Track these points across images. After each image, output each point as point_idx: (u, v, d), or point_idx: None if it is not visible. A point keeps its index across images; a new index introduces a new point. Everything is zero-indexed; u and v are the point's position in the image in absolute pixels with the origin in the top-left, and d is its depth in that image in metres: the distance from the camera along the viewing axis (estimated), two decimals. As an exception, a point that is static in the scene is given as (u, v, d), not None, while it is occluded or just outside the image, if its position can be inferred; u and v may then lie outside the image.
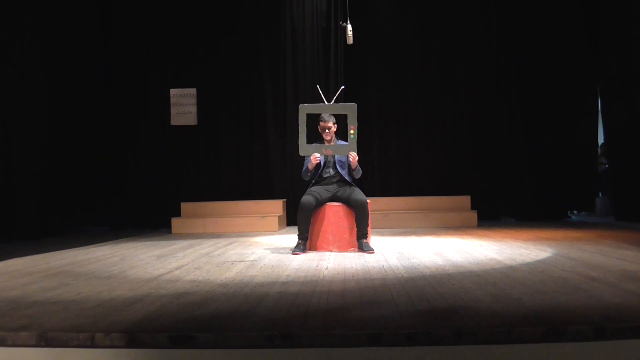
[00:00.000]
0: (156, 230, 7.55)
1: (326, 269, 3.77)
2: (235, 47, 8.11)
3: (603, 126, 8.01)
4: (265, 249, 5.08)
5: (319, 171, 4.86)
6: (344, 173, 4.83)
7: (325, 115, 4.86)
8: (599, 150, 8.34)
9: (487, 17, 8.15)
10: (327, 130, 4.87)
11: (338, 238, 4.76)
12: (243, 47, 8.10)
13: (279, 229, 7.19)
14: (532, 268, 3.57)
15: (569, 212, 8.12)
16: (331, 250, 4.74)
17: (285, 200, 7.70)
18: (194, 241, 5.90)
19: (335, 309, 2.55)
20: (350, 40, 7.25)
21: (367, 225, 4.71)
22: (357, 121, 4.69)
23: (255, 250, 4.94)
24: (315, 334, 2.14)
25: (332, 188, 4.84)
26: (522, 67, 8.04)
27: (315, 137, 4.99)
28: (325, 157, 4.83)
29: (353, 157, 4.68)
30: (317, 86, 5.28)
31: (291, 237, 5.80)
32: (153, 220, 7.91)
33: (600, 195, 8.35)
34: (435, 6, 8.16)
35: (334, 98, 5.02)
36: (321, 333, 2.15)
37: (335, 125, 4.94)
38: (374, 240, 5.24)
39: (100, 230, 7.81)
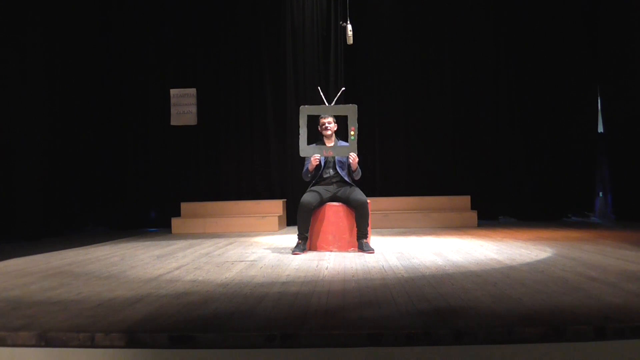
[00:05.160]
0: (156, 230, 7.55)
1: (326, 269, 3.77)
2: (235, 47, 8.11)
3: (603, 126, 8.00)
4: (265, 249, 5.08)
5: (319, 172, 4.86)
6: (343, 174, 4.83)
7: (324, 113, 4.87)
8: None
9: (486, 18, 8.15)
10: (326, 125, 4.86)
11: (338, 238, 4.76)
12: (243, 47, 8.11)
13: (279, 229, 7.19)
14: (532, 268, 3.57)
15: (569, 214, 8.09)
16: (331, 250, 4.74)
17: (285, 200, 7.70)
18: (194, 241, 5.90)
19: (335, 309, 2.55)
20: (350, 40, 7.25)
21: (367, 225, 4.71)
22: (358, 122, 4.70)
23: (255, 250, 4.94)
24: (315, 334, 2.14)
25: (332, 188, 4.84)
26: (521, 67, 8.04)
27: (315, 137, 4.99)
28: (326, 157, 4.83)
29: (353, 158, 4.68)
30: (318, 88, 5.29)
31: (291, 237, 5.79)
32: (153, 220, 7.91)
33: (600, 195, 8.34)
34: (435, 6, 8.16)
35: (334, 99, 5.02)
36: (321, 333, 2.15)
37: (336, 124, 4.94)
38: (374, 240, 5.24)
39: (100, 230, 7.81)
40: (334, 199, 4.84)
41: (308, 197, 4.72)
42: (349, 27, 7.21)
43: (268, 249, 5.08)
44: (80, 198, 7.53)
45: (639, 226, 6.44)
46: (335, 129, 4.96)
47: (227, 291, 2.99)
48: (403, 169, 8.16)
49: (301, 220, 4.68)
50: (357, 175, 4.84)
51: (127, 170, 8.04)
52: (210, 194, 7.95)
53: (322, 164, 4.83)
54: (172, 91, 8.00)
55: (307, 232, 4.70)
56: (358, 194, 4.74)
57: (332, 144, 4.87)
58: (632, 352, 2.10)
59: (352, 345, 2.10)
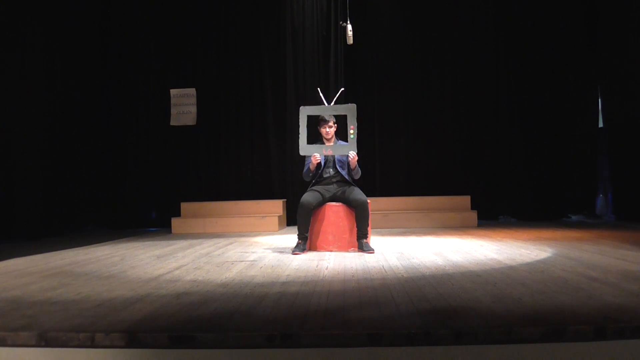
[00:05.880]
0: (156, 230, 7.55)
1: (326, 269, 3.77)
2: (235, 47, 8.12)
3: (603, 125, 8.00)
4: (265, 249, 5.08)
5: (319, 171, 4.86)
6: (344, 173, 4.83)
7: (325, 115, 4.87)
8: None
9: (486, 18, 8.16)
10: (327, 129, 4.87)
11: (338, 238, 4.76)
12: (243, 47, 8.11)
13: (279, 229, 7.19)
14: (532, 268, 3.57)
15: (569, 214, 8.10)
16: (331, 250, 4.74)
17: (285, 200, 7.70)
18: (194, 241, 5.90)
19: (335, 309, 2.54)
20: (350, 40, 7.25)
21: (367, 225, 4.71)
22: (357, 121, 4.71)
23: (255, 250, 4.94)
24: (315, 334, 2.14)
25: (332, 188, 4.84)
26: (521, 67, 8.04)
27: (315, 137, 5.00)
28: (326, 157, 4.84)
29: (353, 157, 4.68)
30: (318, 89, 5.30)
31: (291, 237, 5.80)
32: (153, 220, 7.92)
33: (600, 195, 8.33)
34: (435, 6, 8.17)
35: (334, 100, 5.03)
36: (321, 333, 2.15)
37: (335, 124, 4.94)
38: (374, 240, 5.24)
39: (100, 230, 7.81)
40: (334, 198, 4.84)
41: (308, 197, 4.72)
42: (349, 27, 7.22)
43: (268, 249, 5.08)
44: (81, 198, 7.53)
45: (639, 226, 6.43)
46: (335, 129, 4.96)
47: (227, 291, 2.99)
48: (403, 169, 8.16)
49: (301, 220, 4.68)
50: (357, 175, 4.84)
51: (127, 170, 8.04)
52: (210, 194, 7.95)
53: (322, 163, 4.83)
54: (172, 91, 8.01)
55: (307, 232, 4.70)
56: (358, 193, 4.74)
57: (331, 144, 4.88)
58: (632, 352, 2.10)
59: (352, 345, 2.10)
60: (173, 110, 8.00)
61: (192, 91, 8.00)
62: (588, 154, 8.01)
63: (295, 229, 4.91)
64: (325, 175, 4.87)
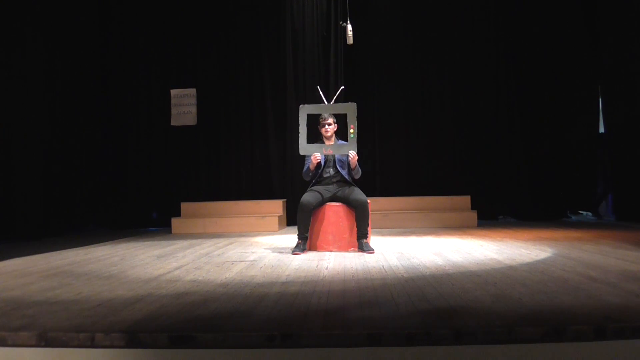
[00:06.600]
0: (156, 230, 7.55)
1: (326, 269, 3.77)
2: (235, 47, 8.12)
3: (603, 126, 8.00)
4: (265, 249, 5.08)
5: (319, 171, 4.86)
6: (344, 173, 4.83)
7: (325, 114, 4.87)
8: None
9: (487, 18, 8.15)
10: (326, 127, 4.86)
11: (338, 238, 4.76)
12: (243, 47, 8.11)
13: (279, 229, 7.19)
14: (532, 268, 3.57)
15: (577, 212, 8.09)
16: (331, 250, 4.73)
17: (285, 200, 7.70)
18: (194, 241, 5.90)
19: (335, 309, 2.55)
20: (350, 40, 7.25)
21: (367, 225, 4.71)
22: (357, 121, 4.71)
23: (255, 250, 4.94)
24: (315, 334, 2.14)
25: (332, 188, 4.84)
26: (521, 67, 8.04)
27: (315, 137, 5.00)
28: (326, 156, 4.83)
29: (353, 156, 4.68)
30: (318, 87, 5.29)
31: (291, 237, 5.80)
32: (154, 220, 7.91)
33: (600, 195, 8.32)
34: (435, 6, 8.17)
35: (334, 98, 5.03)
36: (321, 333, 2.15)
37: (336, 124, 4.94)
38: (374, 240, 5.24)
39: (100, 230, 7.80)
40: (334, 198, 4.83)
41: (308, 197, 4.72)
42: (349, 27, 7.22)
43: (268, 249, 5.08)
44: (81, 198, 7.53)
45: (639, 226, 6.43)
46: (335, 129, 4.96)
47: (227, 291, 2.99)
48: (403, 169, 8.16)
49: (301, 220, 4.68)
50: (357, 174, 4.84)
51: (127, 170, 8.04)
52: (210, 194, 7.96)
53: (322, 163, 4.83)
54: (172, 91, 8.01)
55: (307, 232, 4.70)
56: (358, 193, 4.74)
57: (331, 144, 4.88)
58: (632, 352, 2.10)
59: (352, 345, 2.10)
60: (173, 111, 8.00)
61: (192, 91, 8.00)
62: (588, 153, 8.01)
63: (295, 229, 4.90)
64: (325, 175, 4.87)
